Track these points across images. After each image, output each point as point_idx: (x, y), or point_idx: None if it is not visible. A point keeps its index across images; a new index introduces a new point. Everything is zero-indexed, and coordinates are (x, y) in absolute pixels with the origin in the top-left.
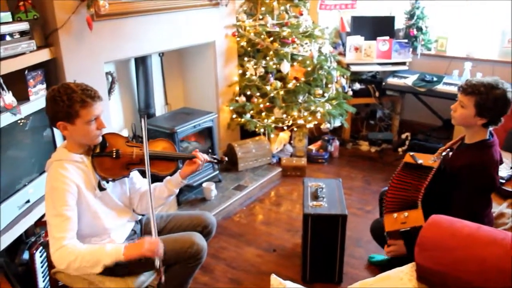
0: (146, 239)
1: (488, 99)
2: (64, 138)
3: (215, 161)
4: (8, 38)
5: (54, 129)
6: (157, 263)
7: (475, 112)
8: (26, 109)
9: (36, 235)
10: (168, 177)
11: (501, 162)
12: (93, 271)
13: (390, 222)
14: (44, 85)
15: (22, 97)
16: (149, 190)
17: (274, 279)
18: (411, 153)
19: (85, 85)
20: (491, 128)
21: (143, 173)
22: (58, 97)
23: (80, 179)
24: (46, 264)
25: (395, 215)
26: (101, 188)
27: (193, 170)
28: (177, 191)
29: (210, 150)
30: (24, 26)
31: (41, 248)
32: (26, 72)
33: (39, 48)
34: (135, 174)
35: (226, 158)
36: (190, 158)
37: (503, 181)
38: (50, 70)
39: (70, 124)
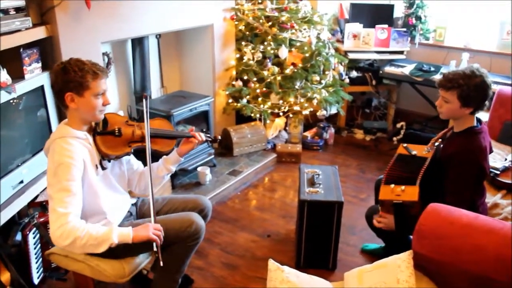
0: (150, 224)
1: (469, 89)
2: (61, 119)
3: (210, 139)
4: (2, 14)
5: (49, 110)
6: (155, 248)
7: (460, 104)
8: (21, 88)
9: (29, 216)
10: (165, 156)
11: (491, 150)
12: (97, 250)
13: (385, 191)
14: (40, 64)
15: (17, 75)
16: (149, 166)
17: (272, 264)
18: (405, 144)
19: (93, 61)
20: (477, 115)
21: (143, 152)
22: (70, 67)
23: (86, 155)
24: (39, 245)
25: (392, 185)
26: (103, 167)
27: (190, 148)
28: (174, 169)
29: (203, 130)
30: (19, 2)
31: (34, 229)
32: (21, 50)
33: (34, 25)
34: (131, 156)
35: (220, 137)
36: (188, 136)
37: (498, 172)
38: (46, 49)
39: (78, 96)
